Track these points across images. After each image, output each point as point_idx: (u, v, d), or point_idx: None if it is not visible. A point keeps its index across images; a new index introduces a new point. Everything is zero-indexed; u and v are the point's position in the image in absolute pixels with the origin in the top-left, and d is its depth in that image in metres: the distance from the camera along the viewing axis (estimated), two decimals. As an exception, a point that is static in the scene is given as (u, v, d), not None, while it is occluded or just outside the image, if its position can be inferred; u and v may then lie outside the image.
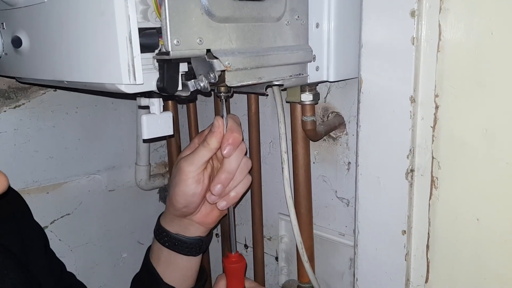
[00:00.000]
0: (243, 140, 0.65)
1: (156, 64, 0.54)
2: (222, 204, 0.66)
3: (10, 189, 0.70)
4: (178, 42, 0.50)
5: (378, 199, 0.66)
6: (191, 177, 0.63)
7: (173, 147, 1.01)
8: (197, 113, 0.99)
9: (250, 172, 0.68)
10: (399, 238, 0.64)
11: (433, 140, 0.59)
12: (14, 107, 0.87)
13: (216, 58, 0.54)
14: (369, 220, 0.68)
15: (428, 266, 0.62)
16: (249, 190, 0.90)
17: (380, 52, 0.64)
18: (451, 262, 0.59)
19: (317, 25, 0.66)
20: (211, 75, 0.55)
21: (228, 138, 0.63)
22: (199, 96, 0.99)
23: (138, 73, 0.50)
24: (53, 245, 0.86)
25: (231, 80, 0.56)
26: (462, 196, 0.57)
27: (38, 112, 0.90)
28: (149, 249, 0.74)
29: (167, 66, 0.53)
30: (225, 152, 0.63)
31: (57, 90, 0.92)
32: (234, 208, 0.69)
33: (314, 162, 0.81)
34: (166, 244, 0.69)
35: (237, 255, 0.70)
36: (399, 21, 0.61)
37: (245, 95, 0.87)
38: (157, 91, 0.55)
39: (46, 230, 0.92)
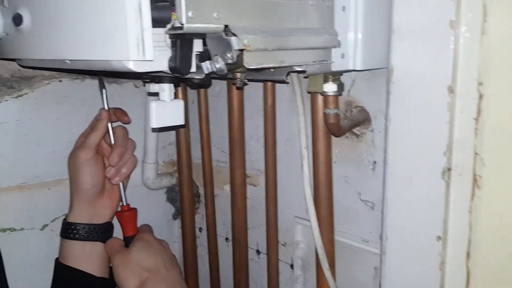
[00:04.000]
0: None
1: (168, 41, 0.48)
2: (116, 179, 0.80)
3: None
4: (193, 14, 0.45)
5: (410, 201, 0.60)
6: (89, 158, 0.76)
7: (183, 144, 0.96)
8: (208, 109, 0.94)
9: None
10: (433, 245, 0.58)
11: (476, 134, 0.53)
12: (17, 97, 0.82)
13: (235, 35, 0.48)
14: (399, 225, 0.62)
15: (468, 277, 0.55)
16: (264, 192, 0.84)
17: (413, 37, 0.58)
18: (496, 273, 0.53)
19: (343, 8, 0.61)
20: (228, 55, 0.49)
21: (115, 151, 0.78)
22: (211, 90, 0.93)
23: (148, 47, 0.45)
24: (54, 244, 0.82)
25: (250, 61, 0.51)
26: (511, 197, 0.51)
27: (42, 103, 0.85)
28: (57, 263, 0.78)
29: (180, 43, 0.48)
30: (111, 162, 0.78)
31: (63, 80, 0.87)
32: (125, 188, 0.83)
33: (335, 161, 0.75)
34: (81, 237, 0.76)
35: (128, 206, 0.83)
36: (436, 2, 0.55)
37: (261, 88, 0.81)
38: (169, 72, 0.50)
39: (46, 229, 0.87)
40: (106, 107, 0.81)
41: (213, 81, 0.93)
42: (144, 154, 0.98)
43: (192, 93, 0.97)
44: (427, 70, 0.57)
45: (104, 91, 0.81)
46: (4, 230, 0.83)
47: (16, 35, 0.60)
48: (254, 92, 0.86)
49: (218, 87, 0.93)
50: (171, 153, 1.05)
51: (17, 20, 0.57)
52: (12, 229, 0.84)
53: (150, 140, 0.97)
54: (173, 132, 1.00)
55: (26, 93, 0.83)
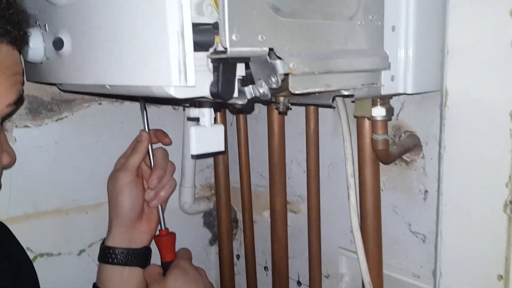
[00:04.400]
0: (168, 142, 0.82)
1: (210, 65, 0.46)
2: (154, 202, 0.78)
3: None
4: (237, 38, 0.43)
5: (468, 235, 0.55)
6: (130, 181, 0.74)
7: (221, 168, 0.94)
8: (248, 132, 0.91)
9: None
10: (494, 285, 0.53)
11: (544, 165, 0.48)
12: (56, 120, 0.82)
13: (280, 58, 0.46)
14: (455, 261, 0.57)
15: (536, 322, 0.50)
16: (307, 220, 0.80)
17: (470, 58, 0.54)
18: None
19: (393, 28, 0.57)
20: (273, 79, 0.46)
21: (154, 173, 0.77)
22: (250, 114, 0.91)
23: (190, 73, 0.43)
24: (90, 269, 0.81)
25: (296, 86, 0.48)
26: None
27: (81, 126, 0.84)
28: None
29: (223, 67, 0.45)
30: (150, 184, 0.77)
31: (102, 103, 0.86)
32: (163, 211, 0.81)
33: (382, 190, 0.71)
34: (120, 261, 0.74)
35: (166, 230, 0.81)
36: (496, 21, 0.52)
37: (302, 111, 0.78)
38: (210, 98, 0.47)
39: (83, 254, 0.86)
40: (146, 129, 0.80)
41: (253, 103, 0.91)
42: (182, 177, 0.96)
43: (230, 115, 0.95)
44: (486, 93, 0.53)
45: (145, 113, 0.80)
46: (42, 255, 0.82)
47: (57, 60, 0.59)
48: (295, 115, 0.83)
49: (258, 109, 0.90)
50: (208, 176, 1.03)
51: (58, 44, 0.57)
52: (49, 254, 0.83)
53: (188, 164, 0.95)
54: (211, 155, 0.98)
55: (66, 116, 0.83)
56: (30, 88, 0.78)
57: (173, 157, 0.93)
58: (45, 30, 0.61)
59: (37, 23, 0.62)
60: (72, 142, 0.84)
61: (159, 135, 0.81)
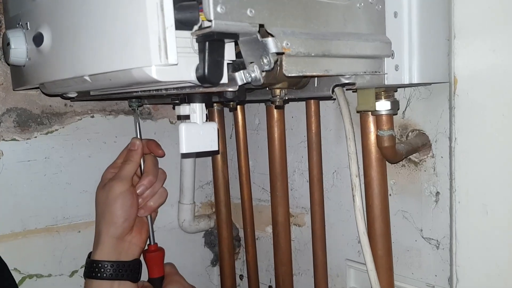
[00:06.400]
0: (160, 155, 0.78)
1: (196, 46, 0.42)
2: (141, 212, 0.74)
3: None
4: (222, 10, 0.39)
5: (485, 234, 0.50)
6: (125, 190, 0.70)
7: (220, 182, 0.89)
8: (248, 143, 0.87)
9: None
10: (520, 288, 0.47)
11: None
12: (46, 133, 0.79)
13: (272, 36, 0.42)
14: (473, 264, 0.51)
15: None
16: (311, 232, 0.75)
17: (480, 38, 0.50)
18: None
19: (395, 14, 0.53)
20: (265, 60, 0.43)
21: (144, 179, 0.74)
22: (250, 123, 0.87)
23: (171, 49, 0.39)
24: (83, 292, 0.75)
25: (290, 68, 0.44)
26: None
27: (73, 140, 0.81)
28: None
29: (209, 46, 0.42)
30: (139, 191, 0.73)
31: (95, 116, 0.83)
32: (152, 223, 0.77)
33: (390, 194, 0.66)
34: (109, 275, 0.69)
35: (156, 245, 0.77)
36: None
37: (303, 114, 0.73)
38: (196, 82, 0.44)
39: (75, 275, 0.82)
40: (139, 137, 0.76)
41: (252, 113, 0.87)
42: (180, 194, 0.92)
43: (229, 127, 0.91)
44: (498, 76, 0.48)
45: (138, 122, 0.77)
46: (31, 277, 0.77)
47: (38, 58, 0.56)
48: (296, 122, 0.79)
49: (257, 120, 0.86)
50: (209, 194, 0.98)
51: (38, 39, 0.53)
52: (39, 276, 0.78)
53: (186, 180, 0.91)
54: (210, 171, 0.93)
55: (56, 130, 0.79)
56: (19, 101, 0.76)
57: (171, 173, 0.89)
58: (27, 29, 0.58)
59: (20, 23, 0.60)
60: (63, 156, 0.80)
61: (152, 146, 0.77)
